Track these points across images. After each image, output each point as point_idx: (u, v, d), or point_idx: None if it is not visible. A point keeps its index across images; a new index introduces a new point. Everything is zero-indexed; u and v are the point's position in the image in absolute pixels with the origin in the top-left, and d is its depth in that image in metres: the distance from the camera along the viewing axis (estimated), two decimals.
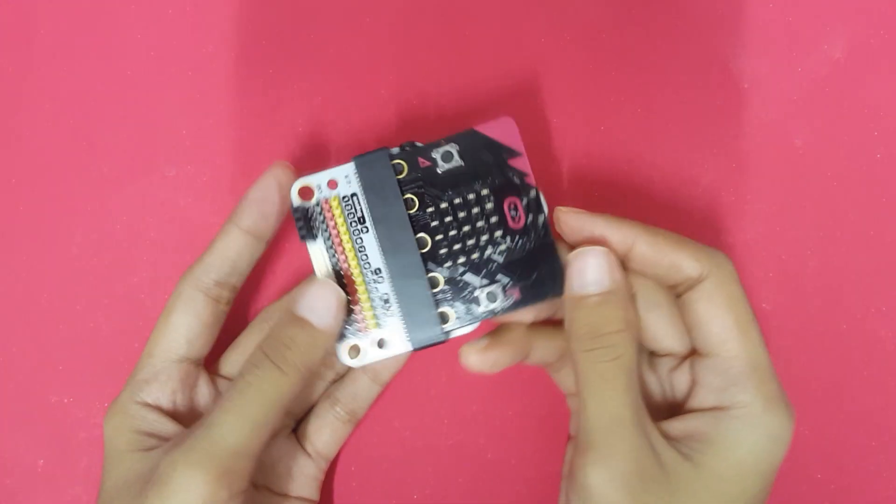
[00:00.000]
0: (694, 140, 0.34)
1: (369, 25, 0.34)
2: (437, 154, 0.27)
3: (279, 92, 0.34)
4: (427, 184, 0.27)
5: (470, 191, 0.27)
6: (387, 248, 0.26)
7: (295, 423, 0.31)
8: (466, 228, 0.27)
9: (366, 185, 0.27)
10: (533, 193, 0.27)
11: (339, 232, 0.27)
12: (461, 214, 0.27)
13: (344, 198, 0.27)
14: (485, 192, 0.27)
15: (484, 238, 0.27)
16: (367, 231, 0.27)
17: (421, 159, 0.27)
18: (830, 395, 0.33)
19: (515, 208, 0.27)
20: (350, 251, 0.27)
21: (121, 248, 0.33)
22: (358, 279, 0.27)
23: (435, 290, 0.27)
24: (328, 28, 0.34)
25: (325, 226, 0.27)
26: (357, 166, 0.27)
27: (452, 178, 0.27)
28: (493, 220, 0.27)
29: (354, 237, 0.27)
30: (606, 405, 0.24)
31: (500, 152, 0.27)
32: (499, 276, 0.27)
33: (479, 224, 0.27)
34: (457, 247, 0.27)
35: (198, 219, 0.34)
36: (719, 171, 0.34)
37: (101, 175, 0.34)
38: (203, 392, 0.29)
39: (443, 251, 0.27)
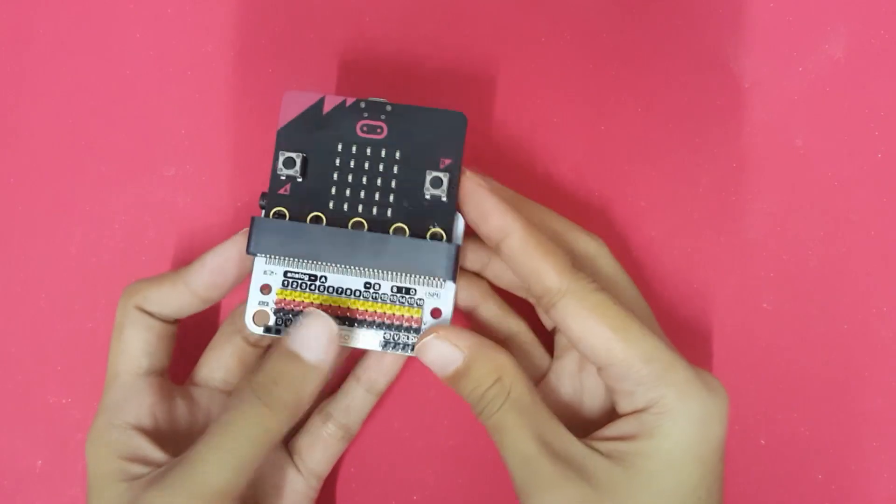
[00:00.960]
0: (694, 140, 0.34)
1: (369, 25, 0.34)
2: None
3: (279, 92, 0.34)
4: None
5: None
6: (348, 262, 0.26)
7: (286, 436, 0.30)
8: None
9: (287, 255, 0.26)
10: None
11: (309, 300, 0.26)
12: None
13: (284, 283, 0.26)
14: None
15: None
16: (325, 277, 0.26)
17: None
18: (830, 395, 0.33)
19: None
20: (328, 298, 0.26)
21: (120, 248, 0.33)
22: (355, 304, 0.26)
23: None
24: (328, 28, 0.34)
25: (294, 312, 0.26)
26: (260, 253, 0.26)
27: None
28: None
29: (321, 290, 0.26)
30: (513, 451, 0.25)
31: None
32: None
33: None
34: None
35: (197, 219, 0.33)
36: (720, 170, 0.34)
37: (101, 175, 0.34)
38: (180, 405, 0.28)
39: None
